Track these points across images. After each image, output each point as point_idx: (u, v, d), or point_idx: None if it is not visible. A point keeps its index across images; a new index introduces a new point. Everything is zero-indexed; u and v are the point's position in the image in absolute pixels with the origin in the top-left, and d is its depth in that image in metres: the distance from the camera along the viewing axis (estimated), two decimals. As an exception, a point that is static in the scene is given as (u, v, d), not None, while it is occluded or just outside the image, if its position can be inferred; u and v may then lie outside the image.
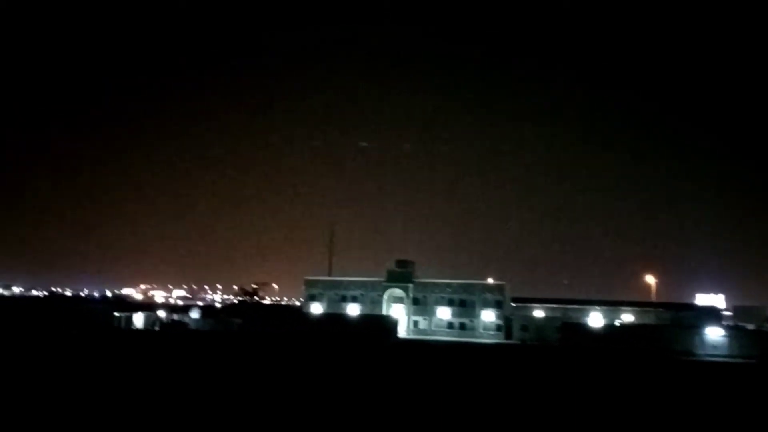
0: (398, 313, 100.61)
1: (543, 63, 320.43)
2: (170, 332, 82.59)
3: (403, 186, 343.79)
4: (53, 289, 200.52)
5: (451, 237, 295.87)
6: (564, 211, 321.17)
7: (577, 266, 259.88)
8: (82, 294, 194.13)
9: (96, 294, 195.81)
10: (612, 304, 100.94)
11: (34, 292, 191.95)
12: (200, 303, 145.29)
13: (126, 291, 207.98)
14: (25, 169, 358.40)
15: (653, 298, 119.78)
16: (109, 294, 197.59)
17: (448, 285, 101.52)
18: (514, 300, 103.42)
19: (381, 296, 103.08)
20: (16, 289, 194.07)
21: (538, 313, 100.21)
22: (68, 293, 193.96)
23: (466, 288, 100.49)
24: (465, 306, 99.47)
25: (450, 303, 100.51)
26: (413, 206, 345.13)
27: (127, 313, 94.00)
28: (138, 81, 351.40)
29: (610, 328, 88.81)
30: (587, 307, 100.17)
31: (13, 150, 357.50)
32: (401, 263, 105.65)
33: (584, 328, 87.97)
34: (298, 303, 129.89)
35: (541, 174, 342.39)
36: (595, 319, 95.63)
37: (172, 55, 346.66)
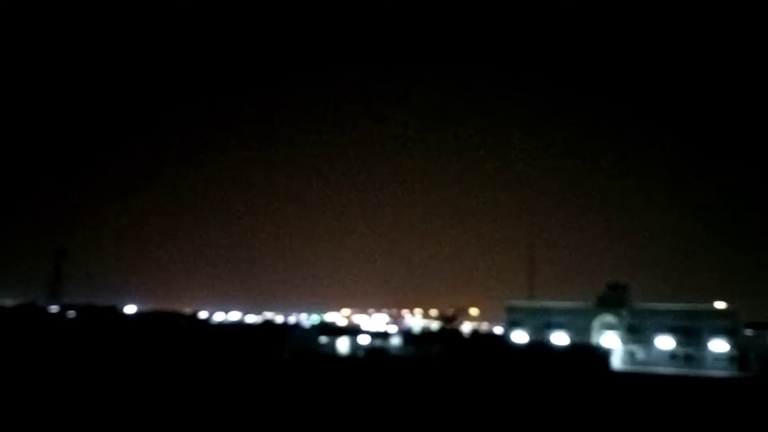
0: (610, 342, 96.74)
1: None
2: (373, 359, 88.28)
3: (610, 203, 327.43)
4: (265, 314, 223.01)
5: (667, 256, 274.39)
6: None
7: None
8: (291, 319, 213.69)
9: (303, 319, 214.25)
10: None
11: (249, 318, 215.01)
12: (400, 327, 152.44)
13: (330, 315, 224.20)
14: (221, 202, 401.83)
15: None
16: (315, 318, 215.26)
17: (670, 310, 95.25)
18: (751, 326, 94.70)
19: (590, 323, 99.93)
20: (234, 316, 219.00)
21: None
22: (279, 319, 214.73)
23: (691, 314, 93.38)
24: (690, 334, 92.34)
25: (672, 331, 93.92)
26: (623, 224, 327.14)
27: (331, 338, 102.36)
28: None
29: None
30: None
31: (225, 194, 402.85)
32: (613, 287, 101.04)
33: None
34: (498, 328, 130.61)
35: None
36: None
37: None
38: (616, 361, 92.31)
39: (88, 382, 45.59)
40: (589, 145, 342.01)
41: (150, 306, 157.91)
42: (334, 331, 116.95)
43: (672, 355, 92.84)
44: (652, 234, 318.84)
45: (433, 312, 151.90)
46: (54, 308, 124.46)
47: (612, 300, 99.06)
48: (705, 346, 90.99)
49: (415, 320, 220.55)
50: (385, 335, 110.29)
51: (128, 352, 75.73)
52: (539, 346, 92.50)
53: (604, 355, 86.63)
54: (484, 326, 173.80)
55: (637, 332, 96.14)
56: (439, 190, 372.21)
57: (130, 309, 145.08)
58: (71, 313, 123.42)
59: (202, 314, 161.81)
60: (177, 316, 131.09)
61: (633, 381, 69.44)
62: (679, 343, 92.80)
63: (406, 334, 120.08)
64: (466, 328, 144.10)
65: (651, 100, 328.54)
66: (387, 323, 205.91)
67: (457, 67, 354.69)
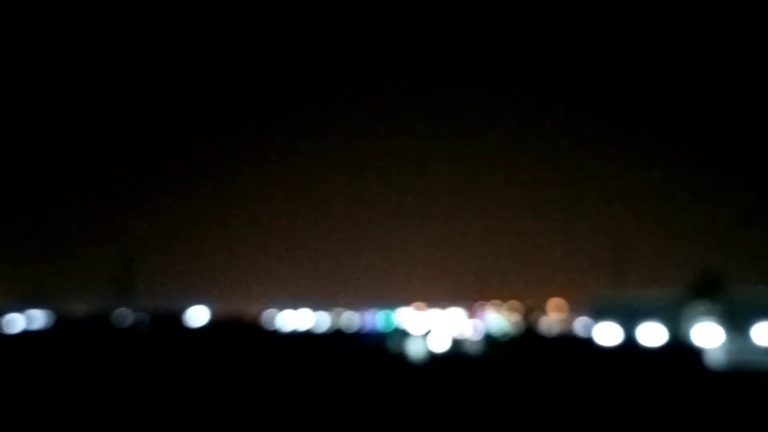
0: (707, 334, 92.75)
1: None
2: (449, 366, 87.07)
3: (700, 178, 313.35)
4: (336, 309, 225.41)
5: (763, 237, 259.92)
6: None
7: None
8: (362, 317, 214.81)
9: (373, 317, 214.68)
10: None
11: (320, 315, 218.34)
12: (479, 323, 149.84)
13: (402, 311, 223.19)
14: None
15: None
16: (387, 316, 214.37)
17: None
18: None
19: (683, 313, 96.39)
20: (304, 313, 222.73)
21: None
22: (349, 316, 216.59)
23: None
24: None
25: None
26: (713, 205, 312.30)
27: (405, 343, 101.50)
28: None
29: None
30: None
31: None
32: (709, 272, 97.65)
33: None
34: (583, 319, 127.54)
35: None
36: None
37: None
38: (715, 357, 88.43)
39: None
40: (672, 127, 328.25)
41: (220, 306, 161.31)
42: (407, 335, 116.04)
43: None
44: (745, 215, 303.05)
45: (513, 304, 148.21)
46: (124, 313, 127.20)
47: (708, 287, 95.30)
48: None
49: (494, 314, 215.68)
50: (460, 339, 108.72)
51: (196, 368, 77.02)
52: (626, 342, 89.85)
53: (700, 350, 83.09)
54: (567, 317, 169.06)
55: (738, 324, 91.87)
56: (518, 173, 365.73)
57: (200, 312, 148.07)
58: (140, 318, 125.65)
59: (270, 313, 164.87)
60: (247, 326, 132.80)
61: (738, 383, 65.52)
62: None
63: (486, 335, 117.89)
64: (549, 322, 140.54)
65: (741, 83, 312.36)
66: (464, 318, 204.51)
67: (530, 52, 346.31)
